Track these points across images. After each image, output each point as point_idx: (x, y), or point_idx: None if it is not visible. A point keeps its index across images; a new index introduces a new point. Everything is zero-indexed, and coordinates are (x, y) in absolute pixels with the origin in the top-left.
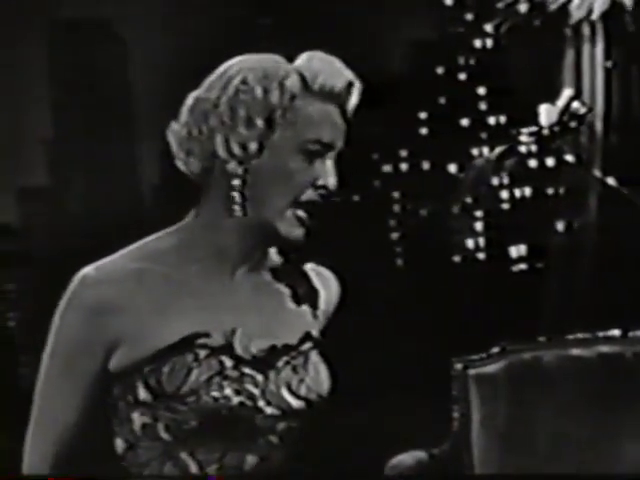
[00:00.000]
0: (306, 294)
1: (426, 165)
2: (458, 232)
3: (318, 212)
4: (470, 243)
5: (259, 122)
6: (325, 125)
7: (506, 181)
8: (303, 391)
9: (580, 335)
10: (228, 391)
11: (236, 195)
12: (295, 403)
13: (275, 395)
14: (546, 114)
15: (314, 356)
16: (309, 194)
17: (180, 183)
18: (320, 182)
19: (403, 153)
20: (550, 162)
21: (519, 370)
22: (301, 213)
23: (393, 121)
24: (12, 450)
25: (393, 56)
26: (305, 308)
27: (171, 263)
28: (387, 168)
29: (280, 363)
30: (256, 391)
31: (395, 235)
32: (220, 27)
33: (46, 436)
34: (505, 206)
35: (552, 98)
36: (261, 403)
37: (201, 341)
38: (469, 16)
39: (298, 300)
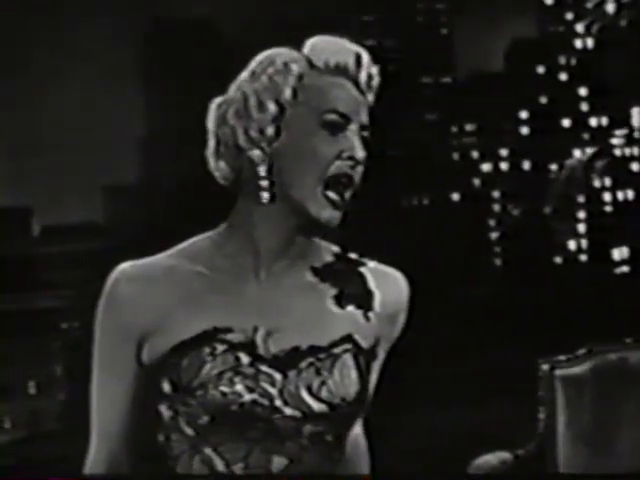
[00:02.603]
0: (356, 295)
1: (527, 165)
2: (559, 233)
3: (348, 193)
4: (572, 245)
5: (270, 105)
6: (338, 95)
7: (608, 183)
8: (324, 394)
9: None
10: (239, 387)
11: (263, 182)
12: (316, 406)
13: (294, 396)
14: (639, 117)
15: (346, 359)
16: (338, 166)
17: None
18: (346, 154)
19: (503, 152)
20: None
21: (605, 371)
22: (332, 194)
23: (493, 119)
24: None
25: (494, 54)
26: (351, 310)
27: (205, 261)
28: (487, 167)
29: (303, 364)
30: (273, 390)
31: (494, 235)
32: (322, 25)
33: (100, 435)
34: (608, 208)
35: None
36: (278, 403)
37: (221, 336)
38: (569, 15)
39: (341, 302)
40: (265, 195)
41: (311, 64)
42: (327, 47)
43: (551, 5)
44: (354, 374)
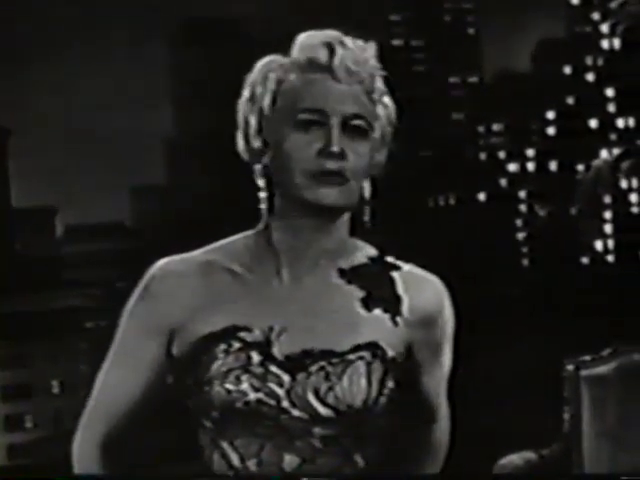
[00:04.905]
0: (383, 299)
1: (553, 165)
2: (586, 233)
3: (347, 185)
4: (599, 245)
5: (252, 119)
6: (312, 92)
7: (635, 184)
8: (330, 399)
9: None
10: (244, 386)
11: (261, 194)
12: (323, 410)
13: (301, 398)
14: None
15: (359, 367)
16: (319, 164)
17: None
18: (326, 150)
19: (530, 152)
20: None
21: (630, 371)
22: (322, 178)
23: (520, 119)
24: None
25: (521, 54)
26: (378, 314)
27: (239, 259)
28: (513, 167)
29: (314, 367)
30: (280, 391)
31: (521, 235)
32: (353, 26)
33: (99, 424)
34: (635, 209)
35: None
36: (285, 404)
37: (239, 334)
38: (595, 16)
39: (368, 305)
40: (262, 206)
41: (293, 65)
42: (305, 43)
43: (577, 5)
44: (363, 382)
